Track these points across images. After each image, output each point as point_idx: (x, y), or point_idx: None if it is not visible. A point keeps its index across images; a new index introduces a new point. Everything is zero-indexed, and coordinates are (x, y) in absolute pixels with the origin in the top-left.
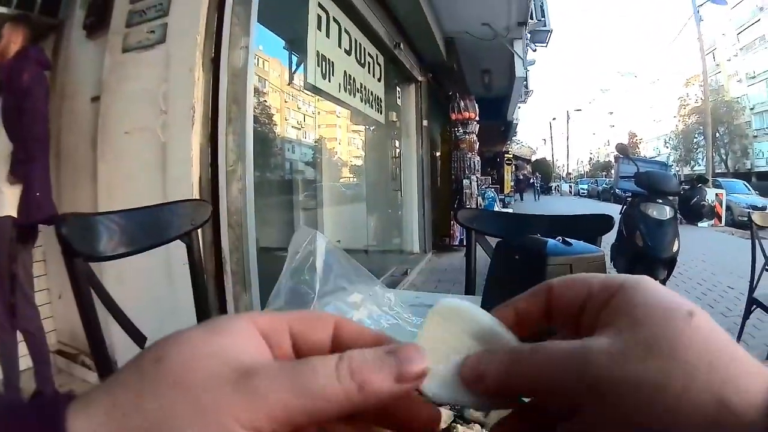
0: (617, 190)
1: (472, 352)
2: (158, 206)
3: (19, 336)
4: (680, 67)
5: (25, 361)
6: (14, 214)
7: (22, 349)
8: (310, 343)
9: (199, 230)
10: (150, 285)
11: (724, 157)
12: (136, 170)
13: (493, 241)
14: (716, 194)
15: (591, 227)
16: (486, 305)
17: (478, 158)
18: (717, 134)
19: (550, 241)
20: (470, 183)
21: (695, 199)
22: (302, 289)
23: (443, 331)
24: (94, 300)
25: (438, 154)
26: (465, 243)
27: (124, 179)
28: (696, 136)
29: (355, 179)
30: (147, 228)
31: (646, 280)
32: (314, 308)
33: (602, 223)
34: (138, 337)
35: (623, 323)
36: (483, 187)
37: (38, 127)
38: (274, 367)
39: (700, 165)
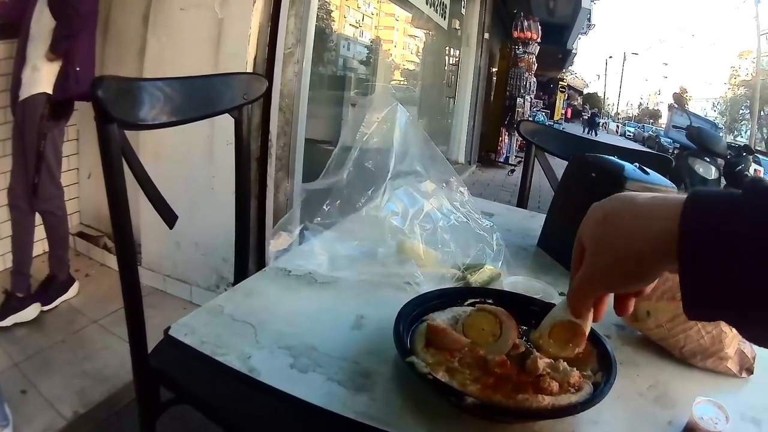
0: (666, 138)
1: None
2: (209, 76)
3: (38, 220)
4: (736, 38)
5: (38, 247)
6: (50, 91)
7: (39, 233)
8: None
9: (249, 110)
10: (189, 163)
11: (766, 137)
12: (187, 46)
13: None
14: (755, 170)
15: (651, 165)
16: (551, 218)
17: (534, 79)
18: (762, 113)
19: (628, 165)
20: (524, 102)
21: (740, 167)
22: (372, 164)
23: None
24: (124, 172)
25: (495, 70)
26: (523, 157)
27: (173, 55)
28: (742, 108)
29: (409, 82)
30: (195, 99)
31: None
32: (385, 189)
33: (662, 162)
34: (169, 215)
35: None
36: (534, 109)
37: (84, 3)
38: None
39: (742, 137)
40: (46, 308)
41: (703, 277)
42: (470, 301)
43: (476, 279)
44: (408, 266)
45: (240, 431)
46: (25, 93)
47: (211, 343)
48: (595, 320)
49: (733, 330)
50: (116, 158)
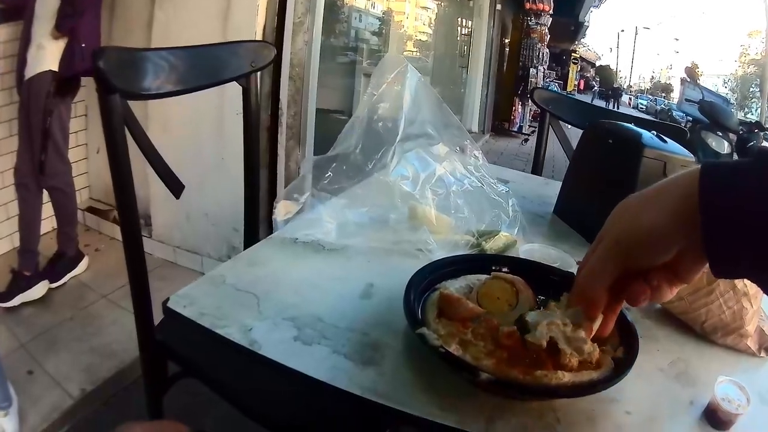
0: (679, 112)
1: None
2: (215, 45)
3: (46, 197)
4: (745, 16)
5: (47, 224)
6: (56, 68)
7: (47, 210)
8: None
9: (258, 79)
10: (198, 134)
11: None
12: (195, 19)
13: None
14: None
15: (666, 135)
16: (567, 185)
17: (547, 50)
18: None
19: (645, 132)
20: (536, 72)
21: (752, 143)
22: (381, 127)
23: None
24: (128, 144)
25: (507, 41)
26: (537, 126)
27: (181, 28)
28: (753, 86)
29: (421, 53)
30: (200, 67)
31: None
32: (394, 152)
33: (678, 134)
34: (175, 185)
35: None
36: (548, 80)
37: None
38: None
39: (753, 114)
40: (54, 285)
41: (727, 225)
42: (485, 268)
43: (491, 246)
44: (420, 233)
45: (244, 406)
46: (30, 72)
47: (211, 315)
48: (601, 333)
49: (754, 306)
50: (118, 128)
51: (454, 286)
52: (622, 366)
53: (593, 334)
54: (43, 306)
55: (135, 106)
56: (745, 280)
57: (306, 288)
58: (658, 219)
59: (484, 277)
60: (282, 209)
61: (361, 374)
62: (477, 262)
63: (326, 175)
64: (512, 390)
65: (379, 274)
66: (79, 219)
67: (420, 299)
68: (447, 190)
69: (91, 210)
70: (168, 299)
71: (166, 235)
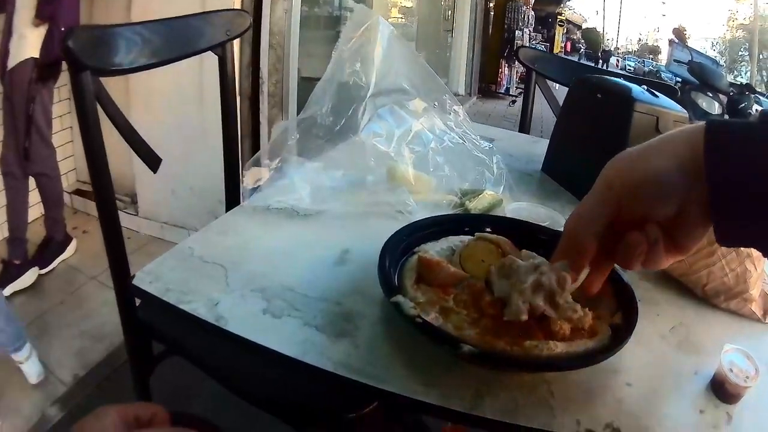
0: (667, 73)
1: None
2: (188, 16)
3: (32, 184)
4: None
5: (35, 211)
6: (37, 55)
7: (35, 197)
8: None
9: (237, 49)
10: (180, 108)
11: (765, 79)
12: None
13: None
14: (756, 109)
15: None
16: (555, 142)
17: (532, 13)
18: (761, 56)
19: (635, 86)
20: (522, 35)
21: (743, 104)
22: (352, 84)
23: None
24: (103, 122)
25: (492, 4)
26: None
27: (160, 6)
28: (741, 50)
29: (406, 18)
30: (174, 39)
31: None
32: (365, 108)
33: (668, 91)
34: (151, 159)
35: None
36: (534, 42)
37: None
38: None
39: (742, 77)
40: (44, 271)
41: (735, 187)
42: (468, 229)
43: (475, 206)
44: (399, 193)
45: (227, 383)
46: (12, 62)
47: (177, 290)
48: (588, 293)
49: (758, 269)
50: (90, 105)
51: (434, 249)
52: (620, 334)
53: (578, 284)
54: (33, 293)
55: (117, 84)
56: None
57: (277, 257)
58: (660, 163)
59: (467, 238)
60: (251, 176)
61: (333, 347)
62: (459, 222)
63: (293, 137)
64: (499, 363)
65: (356, 238)
66: (67, 202)
67: (397, 264)
68: (426, 148)
69: (78, 192)
70: (133, 276)
71: (152, 212)
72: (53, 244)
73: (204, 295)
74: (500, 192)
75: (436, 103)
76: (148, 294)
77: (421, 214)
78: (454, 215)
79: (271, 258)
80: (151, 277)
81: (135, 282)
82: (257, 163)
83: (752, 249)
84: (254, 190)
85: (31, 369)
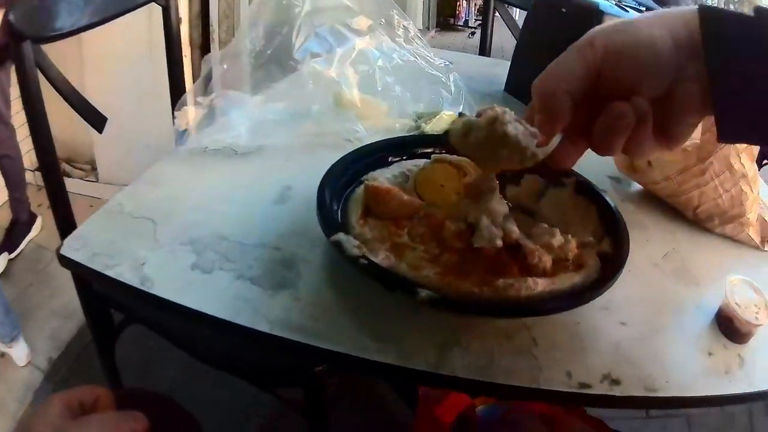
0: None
1: None
2: None
3: None
4: None
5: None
6: None
7: None
8: None
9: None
10: (132, 68)
11: None
12: None
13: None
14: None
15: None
16: (517, 60)
17: None
18: None
19: (603, 1)
20: None
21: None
22: (286, 4)
23: None
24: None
25: None
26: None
27: None
28: None
29: None
30: None
31: None
32: (299, 27)
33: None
34: (96, 119)
35: None
36: None
37: None
38: None
39: None
40: (12, 255)
41: (736, 75)
42: (424, 153)
43: (432, 128)
44: (346, 120)
45: (185, 347)
46: None
47: (104, 254)
48: (559, 164)
49: (754, 191)
50: (31, 73)
51: (384, 176)
52: (611, 264)
53: (549, 150)
54: (4, 279)
55: (71, 51)
56: (743, 160)
57: (212, 202)
58: (653, 30)
59: (423, 162)
60: (183, 117)
61: (271, 302)
62: (413, 146)
63: (222, 68)
64: (466, 309)
65: (299, 173)
66: (30, 180)
67: (341, 197)
68: (372, 67)
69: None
70: (60, 246)
71: (112, 176)
72: (19, 226)
73: (130, 256)
74: (459, 112)
75: (383, 20)
76: (75, 263)
77: (370, 141)
78: (405, 138)
79: (205, 205)
80: (78, 243)
81: (63, 252)
82: (189, 102)
83: (748, 167)
84: (186, 131)
85: (20, 352)
